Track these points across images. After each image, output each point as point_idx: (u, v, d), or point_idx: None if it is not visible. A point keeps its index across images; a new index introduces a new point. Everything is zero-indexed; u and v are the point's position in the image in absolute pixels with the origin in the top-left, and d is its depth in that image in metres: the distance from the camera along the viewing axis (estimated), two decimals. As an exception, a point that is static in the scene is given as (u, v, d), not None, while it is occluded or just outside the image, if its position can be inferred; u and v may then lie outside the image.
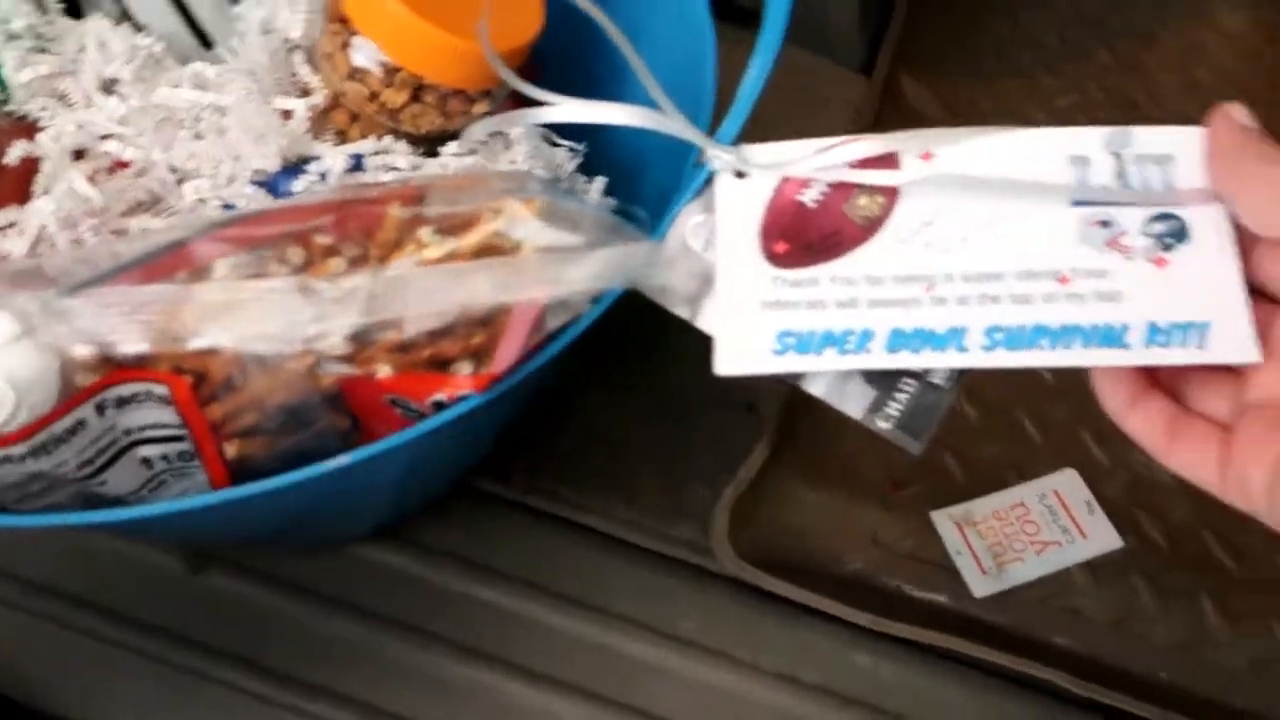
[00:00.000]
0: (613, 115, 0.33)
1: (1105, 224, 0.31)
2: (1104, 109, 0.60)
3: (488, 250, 0.30)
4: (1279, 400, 0.29)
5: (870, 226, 0.32)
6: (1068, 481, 0.50)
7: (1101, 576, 0.47)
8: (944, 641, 0.45)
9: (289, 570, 0.47)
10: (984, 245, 0.32)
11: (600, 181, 0.39)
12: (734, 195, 0.33)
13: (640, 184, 0.41)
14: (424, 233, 0.31)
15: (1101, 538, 0.48)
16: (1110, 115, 0.60)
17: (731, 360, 0.32)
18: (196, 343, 0.29)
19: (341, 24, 0.38)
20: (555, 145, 0.40)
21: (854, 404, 0.32)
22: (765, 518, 0.48)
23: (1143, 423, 0.31)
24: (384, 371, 0.31)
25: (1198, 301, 0.30)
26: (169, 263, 0.30)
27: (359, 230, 0.32)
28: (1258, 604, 0.47)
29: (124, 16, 0.41)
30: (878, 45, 0.60)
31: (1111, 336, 0.30)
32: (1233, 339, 0.30)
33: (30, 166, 0.37)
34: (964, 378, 0.32)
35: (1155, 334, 0.30)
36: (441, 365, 0.32)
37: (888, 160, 0.33)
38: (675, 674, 0.46)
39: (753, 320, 0.32)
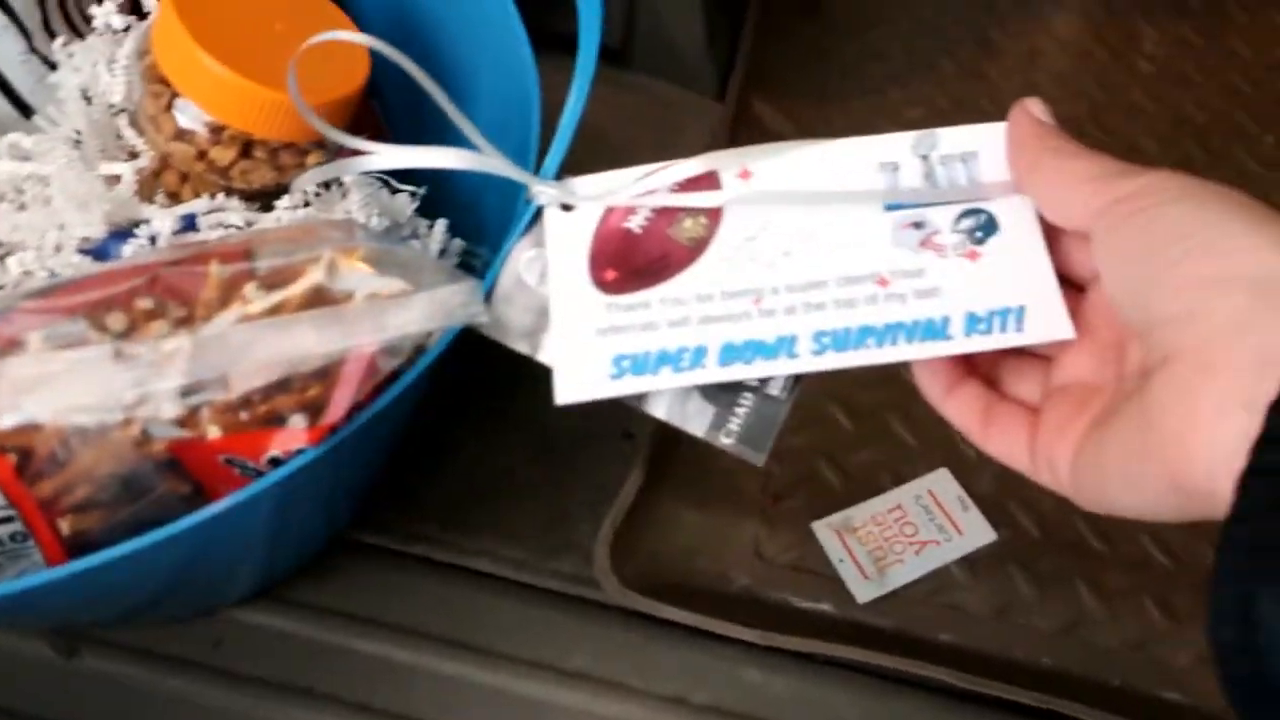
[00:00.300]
0: (433, 159, 0.33)
1: (918, 225, 0.32)
2: (951, 117, 0.62)
3: (315, 302, 0.30)
4: (1083, 382, 0.30)
5: (697, 247, 0.33)
6: (941, 481, 0.51)
7: (980, 570, 0.48)
8: (832, 650, 0.45)
9: (163, 643, 0.45)
10: (806, 256, 0.32)
11: (441, 224, 0.39)
12: (562, 228, 0.33)
13: (484, 222, 0.41)
14: (249, 289, 0.31)
15: (977, 533, 0.49)
16: (958, 123, 0.62)
17: (571, 389, 0.32)
18: (9, 420, 0.28)
19: (163, 85, 0.37)
20: (395, 190, 0.40)
21: (696, 423, 0.32)
22: (647, 543, 0.48)
23: (959, 409, 0.32)
24: (213, 432, 0.30)
25: (1011, 288, 0.31)
26: (-22, 340, 0.30)
27: (182, 291, 0.31)
28: (1129, 583, 0.48)
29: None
30: (730, 71, 0.62)
31: (933, 329, 0.31)
32: (1047, 319, 0.31)
33: None
34: (800, 387, 0.32)
35: (975, 322, 0.31)
36: (278, 421, 0.31)
37: (709, 180, 0.34)
38: (569, 709, 0.45)
39: (588, 347, 0.32)
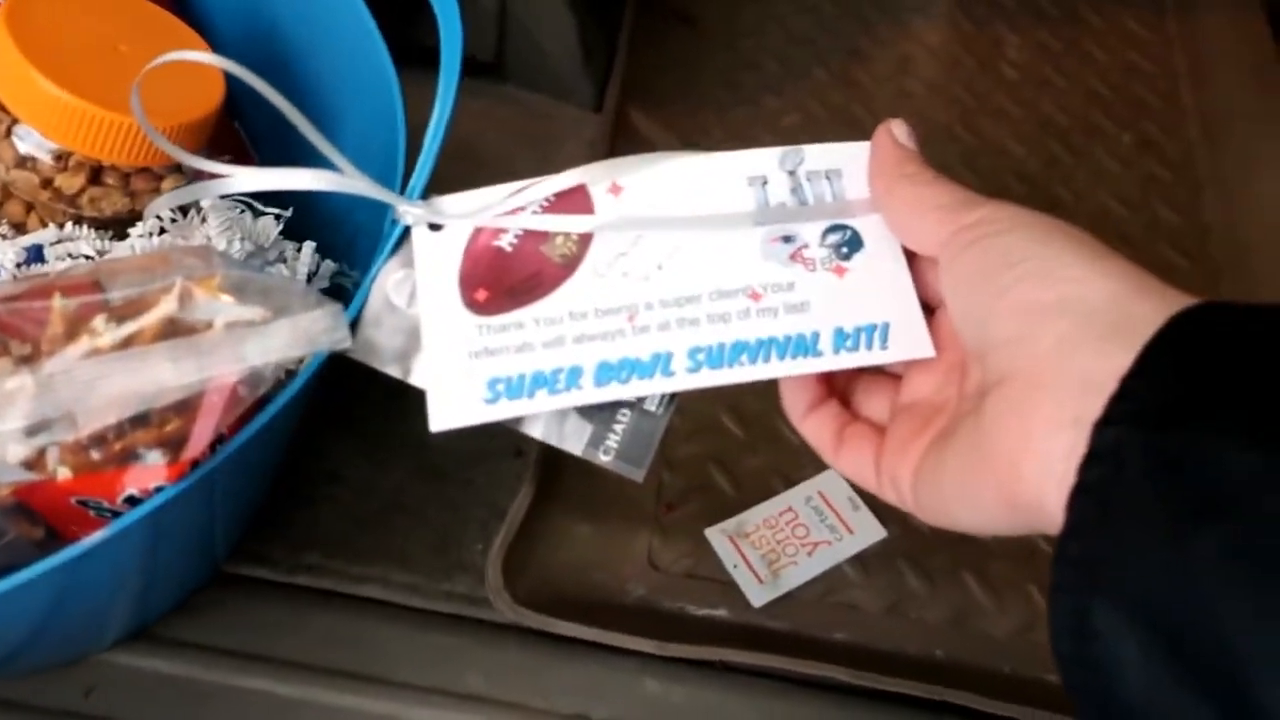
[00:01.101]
0: (293, 180, 0.32)
1: (787, 239, 0.33)
2: (827, 125, 0.63)
3: (170, 333, 0.29)
4: (927, 400, 0.31)
5: (569, 264, 0.33)
6: (830, 481, 0.51)
7: (871, 568, 0.49)
8: (730, 655, 0.45)
9: (30, 694, 0.43)
10: (678, 269, 0.32)
11: (309, 246, 0.38)
12: (430, 248, 0.33)
13: (355, 242, 0.40)
14: (98, 321, 0.30)
15: (867, 531, 0.50)
16: (834, 130, 0.63)
17: (444, 415, 0.31)
18: None
19: (1, 111, 0.36)
20: (259, 213, 0.39)
21: (573, 441, 0.32)
22: (540, 559, 0.48)
23: (815, 428, 0.32)
24: (63, 473, 0.29)
25: (876, 305, 0.32)
26: None
27: (24, 329, 0.30)
28: (1016, 573, 0.49)
29: None
30: (606, 83, 0.62)
31: (804, 345, 0.31)
32: (910, 337, 0.31)
33: None
34: (676, 401, 0.32)
35: (843, 339, 0.31)
36: (134, 458, 0.30)
37: (580, 195, 0.33)
38: (467, 733, 0.45)
39: (462, 371, 0.31)
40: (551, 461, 0.49)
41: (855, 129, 0.63)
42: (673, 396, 0.32)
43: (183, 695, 0.44)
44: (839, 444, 0.32)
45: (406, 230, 0.33)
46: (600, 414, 0.32)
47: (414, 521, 0.49)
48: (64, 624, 0.37)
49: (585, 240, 0.33)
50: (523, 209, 0.33)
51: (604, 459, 0.32)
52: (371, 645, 0.46)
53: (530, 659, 0.46)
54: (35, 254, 0.35)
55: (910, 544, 0.50)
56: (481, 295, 0.32)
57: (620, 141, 0.60)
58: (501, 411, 0.31)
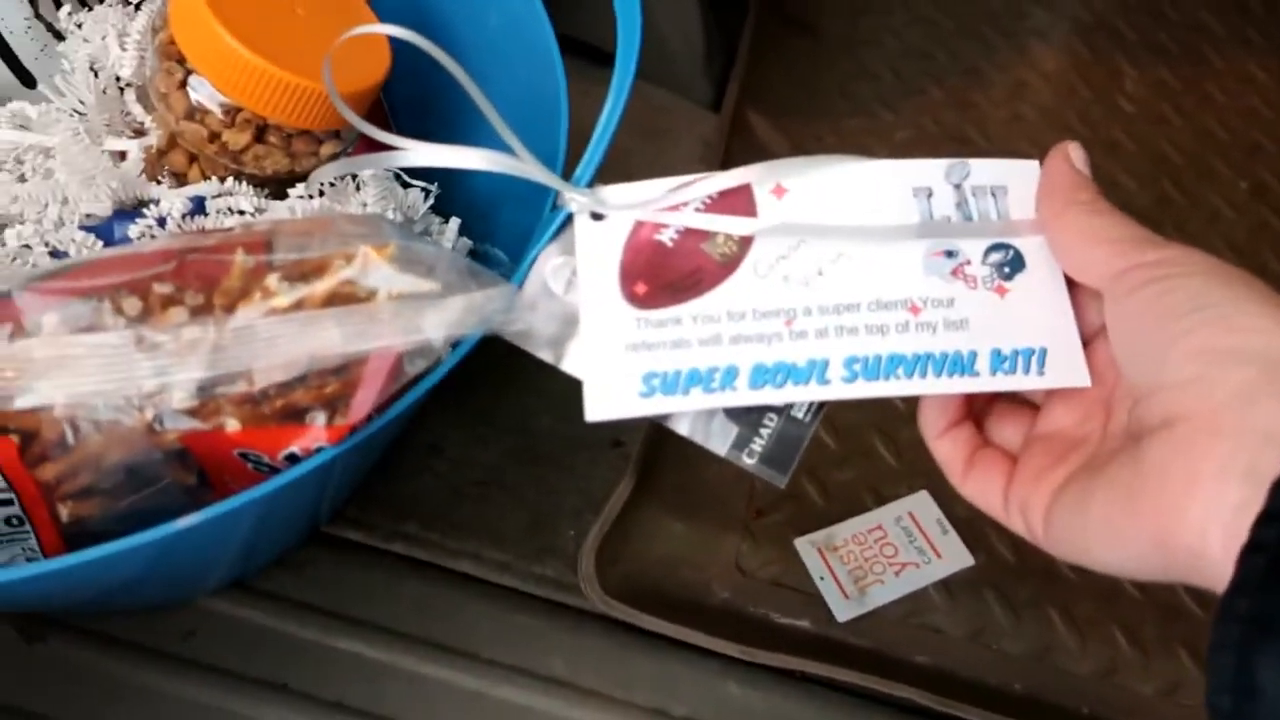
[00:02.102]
0: (466, 160, 0.32)
1: (950, 254, 0.33)
2: (939, 143, 0.63)
3: (340, 298, 0.30)
4: (1065, 433, 0.31)
5: (729, 264, 0.33)
6: (921, 503, 0.51)
7: (956, 594, 0.49)
8: (811, 667, 0.46)
9: (133, 631, 0.44)
10: (839, 277, 0.32)
11: (455, 223, 0.39)
12: (592, 238, 0.33)
13: (496, 223, 0.41)
14: (271, 280, 0.30)
15: (955, 557, 0.50)
16: (947, 148, 0.63)
17: (600, 406, 0.32)
18: (24, 401, 0.27)
19: (177, 62, 0.36)
20: (407, 186, 0.39)
21: (719, 441, 0.32)
22: (632, 552, 0.48)
23: (949, 449, 0.32)
24: (231, 425, 0.29)
25: (1036, 328, 0.32)
26: (-10, 318, 0.29)
27: (201, 279, 0.30)
28: (1100, 612, 0.49)
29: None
30: (725, 83, 0.62)
31: (960, 364, 0.31)
32: (1067, 365, 0.31)
33: None
34: (824, 410, 0.32)
35: (1000, 360, 0.31)
36: (294, 416, 0.30)
37: (743, 194, 0.34)
38: (548, 715, 0.45)
39: (618, 363, 0.32)
40: (650, 457, 0.50)
41: (968, 148, 0.63)
42: (821, 405, 0.32)
43: (276, 648, 0.45)
44: (969, 467, 0.32)
45: (568, 218, 0.34)
46: (747, 416, 0.32)
47: (510, 500, 0.49)
48: (180, 567, 0.38)
49: (746, 241, 0.33)
50: (685, 204, 0.33)
51: (748, 462, 0.32)
52: (461, 619, 0.47)
53: (614, 649, 0.47)
54: (198, 205, 0.36)
55: (997, 574, 0.50)
56: (641, 289, 0.32)
57: (735, 142, 0.60)
58: (655, 406, 0.31)
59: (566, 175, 0.35)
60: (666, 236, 0.33)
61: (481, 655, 0.46)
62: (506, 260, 0.37)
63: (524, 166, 0.32)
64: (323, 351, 0.29)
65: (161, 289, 0.30)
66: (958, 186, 0.33)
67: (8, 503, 0.30)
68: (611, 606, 0.46)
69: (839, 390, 0.31)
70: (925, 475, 0.52)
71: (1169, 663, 0.48)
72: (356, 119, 0.32)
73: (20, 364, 0.27)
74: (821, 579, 0.49)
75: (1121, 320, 0.29)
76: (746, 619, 0.48)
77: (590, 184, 0.34)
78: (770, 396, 0.31)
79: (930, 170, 0.34)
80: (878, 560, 0.50)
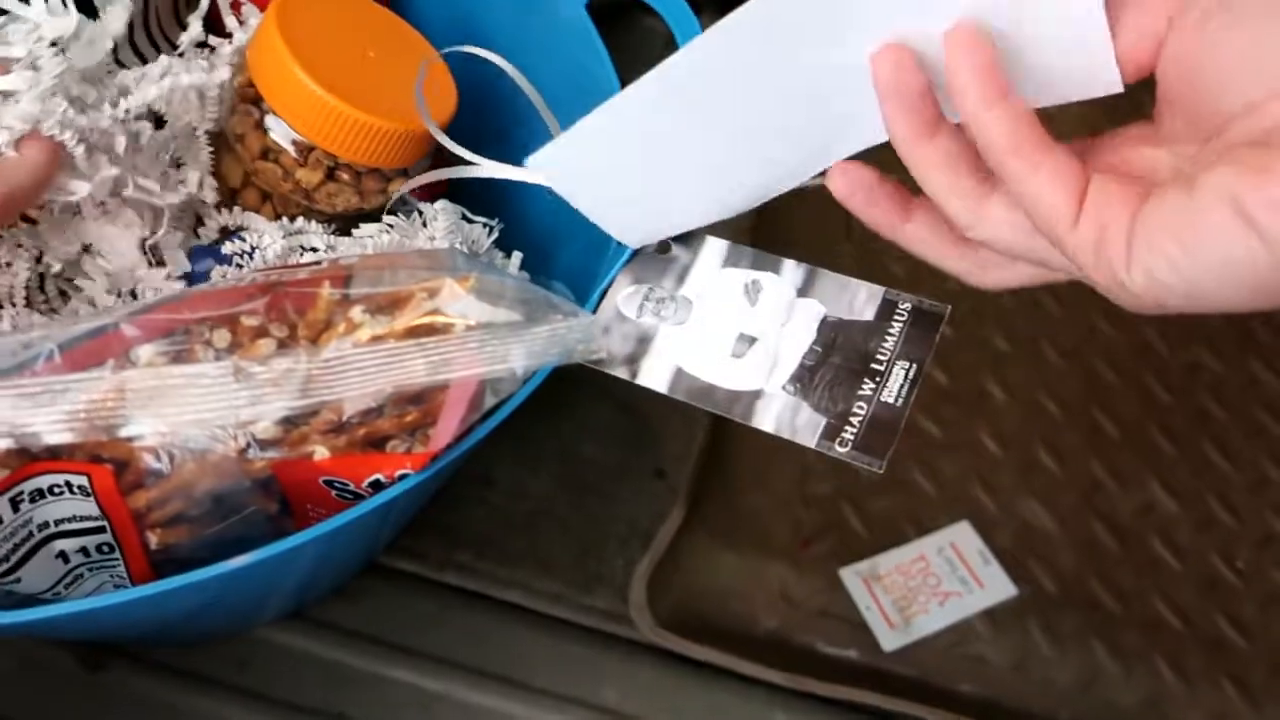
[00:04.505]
0: (539, 177, 0.33)
1: None
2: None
3: (424, 329, 0.31)
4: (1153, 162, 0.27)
5: None
6: (963, 533, 0.52)
7: (1000, 623, 0.50)
8: (858, 696, 0.46)
9: (190, 660, 0.45)
10: None
11: (518, 257, 0.40)
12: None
13: (554, 258, 0.42)
14: (355, 312, 0.31)
15: (997, 586, 0.50)
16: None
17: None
18: (128, 431, 0.28)
19: (254, 104, 0.38)
20: (470, 222, 0.40)
21: (806, 434, 0.32)
22: (681, 583, 0.49)
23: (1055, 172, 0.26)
24: (320, 453, 0.30)
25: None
26: (91, 349, 0.29)
27: (287, 311, 0.31)
28: (1143, 642, 0.50)
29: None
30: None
31: None
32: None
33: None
34: (915, 394, 0.32)
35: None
36: (376, 444, 0.31)
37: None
38: (598, 744, 0.46)
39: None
40: (697, 487, 0.51)
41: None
42: (914, 385, 0.32)
43: (330, 678, 0.45)
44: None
45: (634, 252, 0.35)
46: (835, 407, 0.32)
47: (559, 530, 0.50)
48: (263, 591, 0.38)
49: None
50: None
51: (840, 451, 0.32)
52: (513, 648, 0.47)
53: (664, 679, 0.47)
54: (276, 240, 0.37)
55: (1040, 605, 0.50)
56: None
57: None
58: None
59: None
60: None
61: (533, 684, 0.46)
62: (569, 293, 0.38)
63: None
64: (410, 381, 0.30)
65: (249, 321, 0.31)
66: None
67: (100, 530, 0.30)
68: (662, 636, 0.46)
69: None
70: (965, 505, 0.52)
71: (1214, 694, 0.48)
72: (443, 136, 0.34)
73: (123, 394, 0.28)
74: (867, 609, 0.49)
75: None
76: (794, 648, 0.49)
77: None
78: None
79: None
80: (922, 590, 0.50)
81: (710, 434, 0.52)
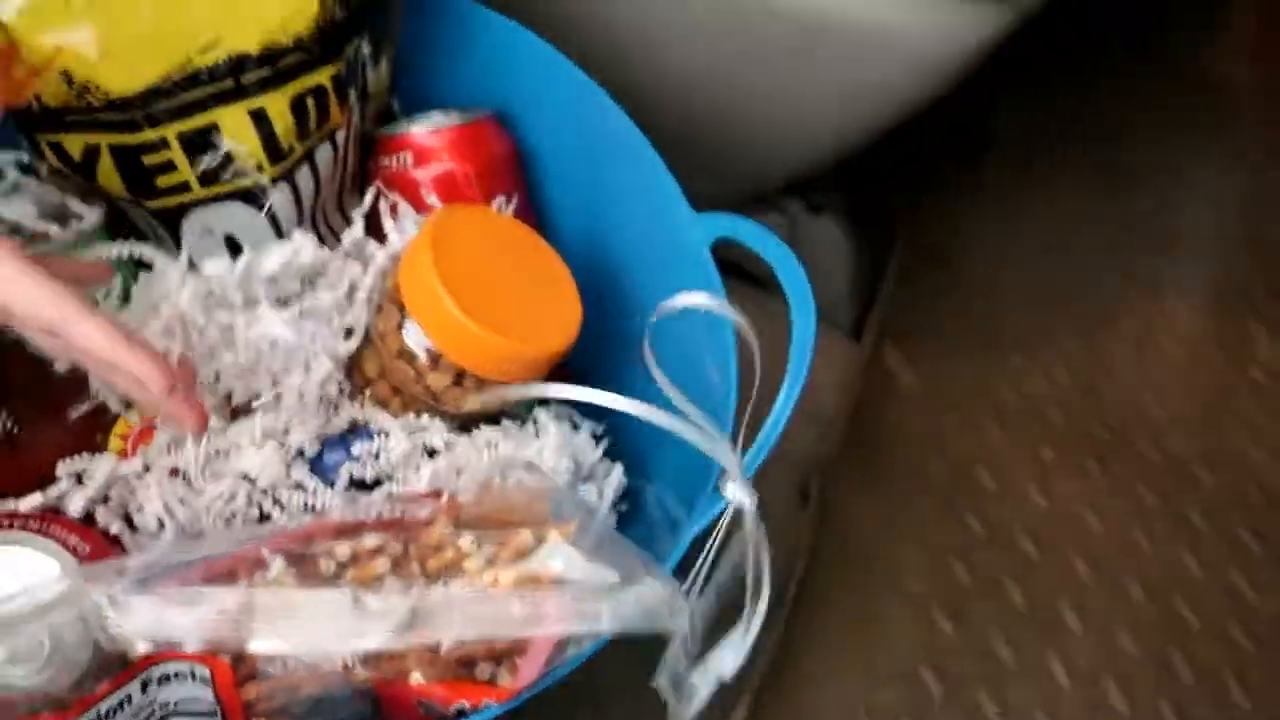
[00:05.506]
0: (639, 410, 0.36)
1: None
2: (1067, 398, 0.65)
3: (528, 578, 0.33)
4: None
5: None
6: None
7: None
8: None
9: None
10: None
11: (619, 470, 0.42)
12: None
13: (655, 462, 0.44)
14: (465, 541, 0.34)
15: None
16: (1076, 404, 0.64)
17: None
18: (255, 646, 0.31)
19: (398, 308, 0.41)
20: (575, 427, 0.43)
21: None
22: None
23: None
24: (416, 678, 0.33)
25: None
26: (231, 561, 0.33)
27: (403, 533, 0.34)
28: None
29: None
30: (866, 312, 0.65)
31: None
32: None
33: (94, 416, 0.40)
34: None
35: None
36: (466, 665, 0.34)
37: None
38: None
39: None
40: None
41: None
42: None
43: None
44: None
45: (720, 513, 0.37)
46: None
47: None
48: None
49: None
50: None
51: None
52: None
53: None
54: (403, 437, 0.40)
55: None
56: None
57: (870, 370, 0.63)
58: None
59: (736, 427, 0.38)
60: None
61: None
62: (666, 504, 0.40)
63: (704, 441, 0.36)
64: (507, 624, 0.32)
65: (370, 541, 0.34)
66: None
67: (212, 714, 0.34)
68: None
69: None
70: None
71: None
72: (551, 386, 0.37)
73: (253, 611, 0.31)
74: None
75: None
76: None
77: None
78: None
79: None
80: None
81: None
